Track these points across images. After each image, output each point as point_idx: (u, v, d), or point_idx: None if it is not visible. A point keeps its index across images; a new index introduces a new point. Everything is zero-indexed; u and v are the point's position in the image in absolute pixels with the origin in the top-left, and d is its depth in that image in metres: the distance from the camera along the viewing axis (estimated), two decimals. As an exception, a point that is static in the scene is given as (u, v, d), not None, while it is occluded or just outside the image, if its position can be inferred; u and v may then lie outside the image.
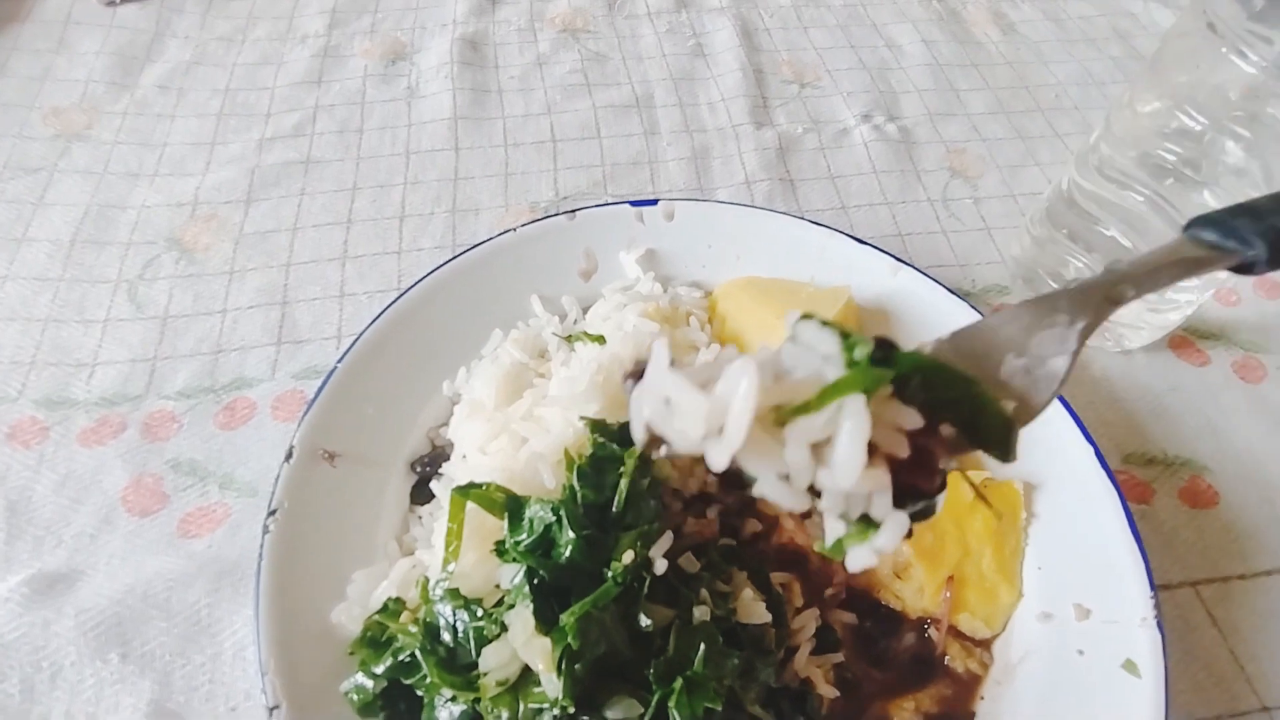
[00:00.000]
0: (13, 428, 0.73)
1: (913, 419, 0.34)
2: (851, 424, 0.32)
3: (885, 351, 0.34)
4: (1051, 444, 0.67)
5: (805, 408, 0.33)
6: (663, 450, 0.35)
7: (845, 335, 0.34)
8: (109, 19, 1.13)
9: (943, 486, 0.36)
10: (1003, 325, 0.38)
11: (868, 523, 0.34)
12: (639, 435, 0.35)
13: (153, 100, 1.04)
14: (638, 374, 0.36)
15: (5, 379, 0.76)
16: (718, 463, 0.33)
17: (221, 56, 1.11)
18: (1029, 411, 0.36)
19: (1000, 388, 0.37)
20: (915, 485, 0.34)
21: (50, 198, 0.92)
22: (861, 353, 0.33)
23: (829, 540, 0.36)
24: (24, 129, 0.98)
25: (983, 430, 0.36)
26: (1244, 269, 0.34)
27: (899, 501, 0.34)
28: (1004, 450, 0.36)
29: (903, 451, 0.33)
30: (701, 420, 0.33)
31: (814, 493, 0.34)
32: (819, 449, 0.33)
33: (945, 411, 0.35)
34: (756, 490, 0.34)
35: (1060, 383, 0.36)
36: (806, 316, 0.36)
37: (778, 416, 0.33)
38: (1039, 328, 0.37)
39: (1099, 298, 0.36)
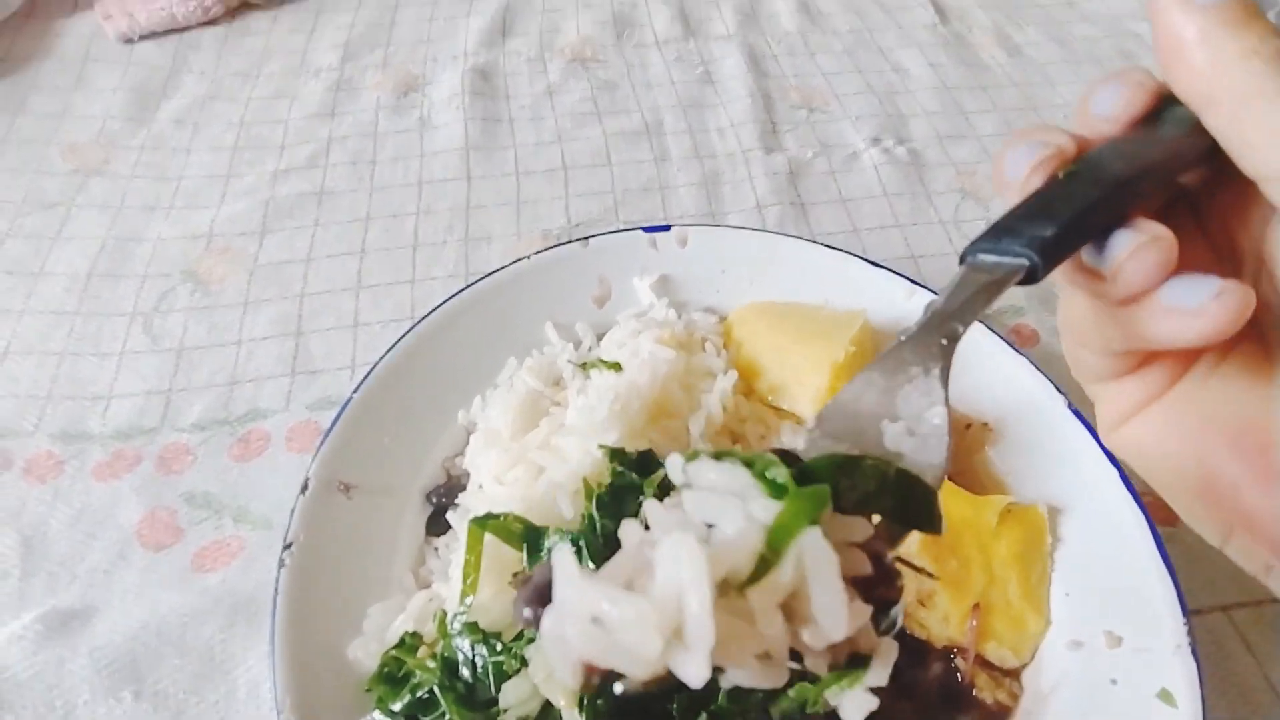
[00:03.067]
0: (29, 462, 0.73)
1: (862, 529, 0.31)
2: (822, 567, 0.27)
3: (797, 465, 0.31)
4: (1074, 466, 0.66)
5: (763, 565, 0.27)
6: (618, 687, 0.27)
7: (748, 462, 0.31)
8: (127, 55, 1.14)
9: (901, 589, 0.33)
10: (859, 396, 0.36)
11: (854, 662, 0.30)
12: (569, 676, 0.27)
13: (169, 135, 1.05)
14: (538, 590, 0.29)
15: (22, 412, 0.76)
16: (697, 676, 0.26)
17: (236, 91, 1.12)
18: (936, 473, 0.34)
19: (896, 459, 0.34)
20: (884, 597, 0.31)
21: (68, 232, 0.93)
22: (781, 474, 0.30)
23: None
24: (42, 165, 1.00)
25: (909, 510, 0.33)
26: (1028, 280, 0.34)
27: (873, 623, 0.30)
28: (932, 521, 0.34)
29: (866, 569, 0.30)
30: (655, 629, 0.26)
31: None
32: (787, 606, 0.28)
33: (870, 505, 0.32)
34: (727, 683, 0.28)
35: (948, 434, 0.34)
36: (691, 456, 0.32)
37: (729, 587, 0.28)
38: (897, 387, 0.35)
39: (937, 340, 0.35)
